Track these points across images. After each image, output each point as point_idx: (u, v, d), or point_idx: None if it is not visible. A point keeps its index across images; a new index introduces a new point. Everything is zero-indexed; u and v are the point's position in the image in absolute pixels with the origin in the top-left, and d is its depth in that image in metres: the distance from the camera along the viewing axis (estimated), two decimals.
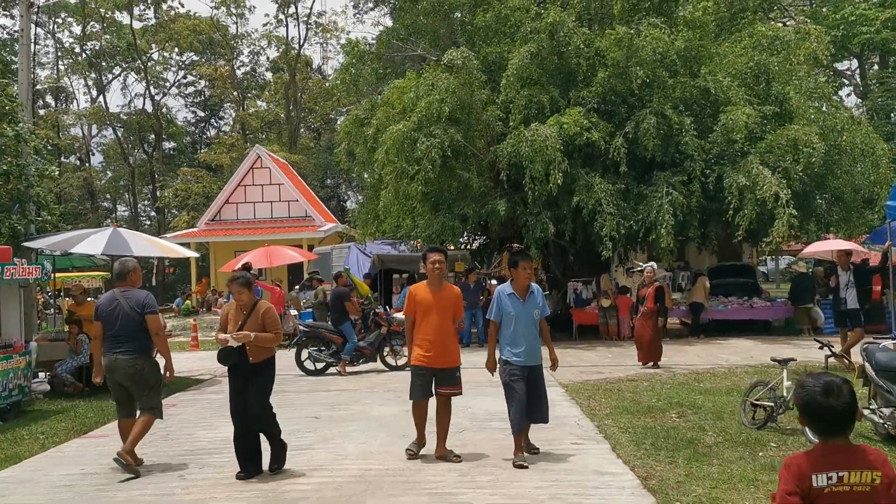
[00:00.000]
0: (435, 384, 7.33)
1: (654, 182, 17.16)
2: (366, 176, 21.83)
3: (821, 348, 10.01)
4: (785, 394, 8.27)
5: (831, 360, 12.58)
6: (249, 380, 6.86)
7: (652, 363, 13.36)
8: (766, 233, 18.64)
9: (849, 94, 29.12)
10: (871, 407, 7.76)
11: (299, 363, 13.72)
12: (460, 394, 7.50)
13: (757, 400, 8.51)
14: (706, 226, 17.90)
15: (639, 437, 7.99)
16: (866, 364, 7.86)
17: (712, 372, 12.59)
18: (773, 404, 8.22)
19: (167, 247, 14.48)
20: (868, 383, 8.06)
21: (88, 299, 16.60)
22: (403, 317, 14.67)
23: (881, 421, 7.54)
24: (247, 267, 15.79)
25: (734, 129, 16.38)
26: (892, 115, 22.79)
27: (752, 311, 18.59)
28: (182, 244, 27.69)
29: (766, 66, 18.12)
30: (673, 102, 17.40)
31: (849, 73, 28.89)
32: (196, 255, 20.25)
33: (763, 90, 18.23)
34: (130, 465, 6.99)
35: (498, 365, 7.22)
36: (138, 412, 7.24)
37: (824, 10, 24.43)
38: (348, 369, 13.62)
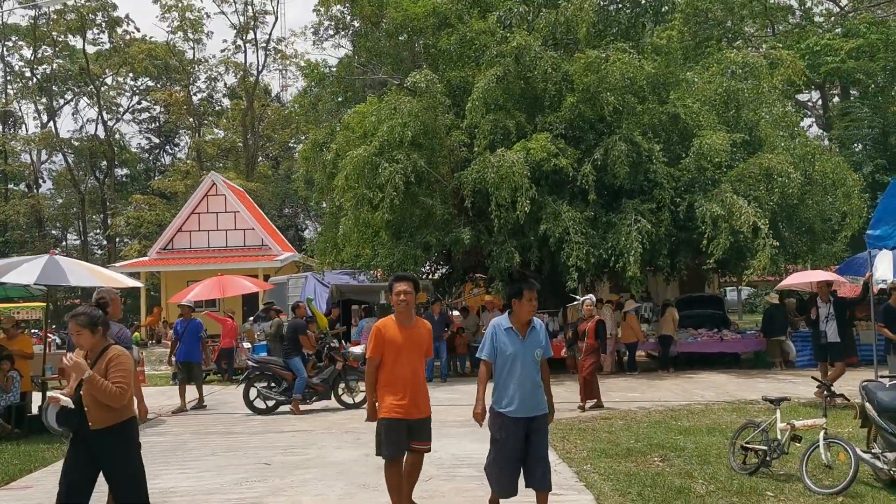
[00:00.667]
0: (409, 438, 6.12)
1: (623, 210, 16.66)
2: (324, 205, 21.05)
3: (820, 389, 9.28)
4: (779, 436, 7.60)
5: (813, 397, 12.08)
6: (104, 460, 4.95)
7: (594, 403, 12.52)
8: (735, 264, 18.30)
9: (810, 126, 29.29)
10: (872, 451, 7.14)
11: (248, 402, 12.75)
12: (429, 450, 6.39)
13: (748, 443, 7.84)
14: (675, 255, 17.42)
15: (623, 486, 7.25)
16: (867, 404, 7.24)
17: (688, 409, 11.94)
18: (765, 448, 7.54)
19: (108, 276, 13.43)
20: (867, 424, 7.46)
21: (24, 332, 15.50)
22: (360, 351, 13.98)
23: (884, 466, 6.91)
24: (197, 303, 14.82)
25: (710, 153, 16.00)
26: (856, 145, 22.80)
27: (723, 344, 18.10)
28: (132, 273, 26.56)
29: (736, 92, 17.85)
30: (642, 129, 16.99)
31: (810, 104, 29.06)
32: (139, 284, 19.12)
33: (733, 117, 17.95)
34: None
35: (487, 415, 5.91)
36: None
37: (788, 41, 24.51)
38: (302, 407, 12.68)
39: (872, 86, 22.81)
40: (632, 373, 17.37)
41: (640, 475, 7.66)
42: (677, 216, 16.82)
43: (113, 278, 13.49)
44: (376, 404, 6.15)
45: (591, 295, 14.13)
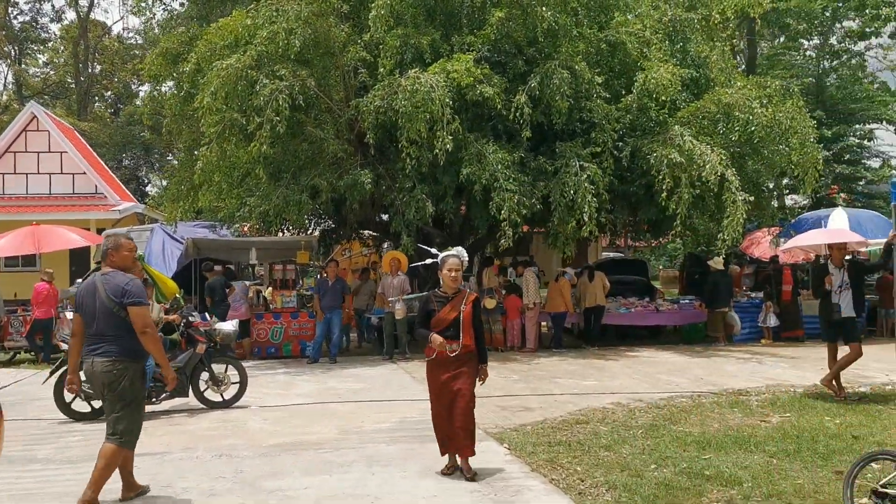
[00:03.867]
0: None
1: (562, 154, 13.65)
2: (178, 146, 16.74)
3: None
4: None
5: (820, 386, 9.62)
6: None
7: None
8: (669, 224, 15.92)
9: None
10: None
11: (62, 403, 8.78)
12: None
13: (885, 486, 4.95)
14: (643, 209, 14.71)
15: None
16: None
17: (676, 405, 9.12)
18: None
19: None
20: None
21: None
22: (232, 328, 10.20)
23: None
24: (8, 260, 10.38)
25: (657, 90, 13.24)
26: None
27: (659, 316, 15.63)
28: None
29: (683, 22, 15.19)
30: (580, 57, 13.97)
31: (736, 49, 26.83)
32: None
33: (679, 51, 15.29)
34: None
35: None
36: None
37: None
38: (149, 409, 8.75)
39: (805, 28, 20.96)
40: (559, 350, 14.55)
41: None
42: (620, 164, 14.05)
43: None
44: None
45: (457, 249, 10.07)
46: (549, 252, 18.96)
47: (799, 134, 14.14)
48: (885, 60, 23.25)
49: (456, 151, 13.06)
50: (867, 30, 20.94)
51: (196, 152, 14.63)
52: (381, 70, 13.38)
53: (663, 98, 13.21)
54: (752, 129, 13.34)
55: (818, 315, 9.83)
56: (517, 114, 13.12)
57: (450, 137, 12.43)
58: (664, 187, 12.99)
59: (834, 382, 9.42)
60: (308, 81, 12.98)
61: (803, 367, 11.99)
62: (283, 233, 17.63)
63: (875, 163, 21.20)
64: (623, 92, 14.81)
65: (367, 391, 10.51)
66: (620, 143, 14.09)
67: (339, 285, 13.70)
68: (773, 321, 15.15)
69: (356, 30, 14.15)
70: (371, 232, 18.88)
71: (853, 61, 21.62)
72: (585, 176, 13.10)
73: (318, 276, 14.96)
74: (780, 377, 11.03)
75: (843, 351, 9.44)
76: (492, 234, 14.89)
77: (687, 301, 16.07)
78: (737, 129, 13.34)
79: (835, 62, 21.29)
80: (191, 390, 9.23)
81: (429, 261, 7.07)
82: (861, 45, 21.75)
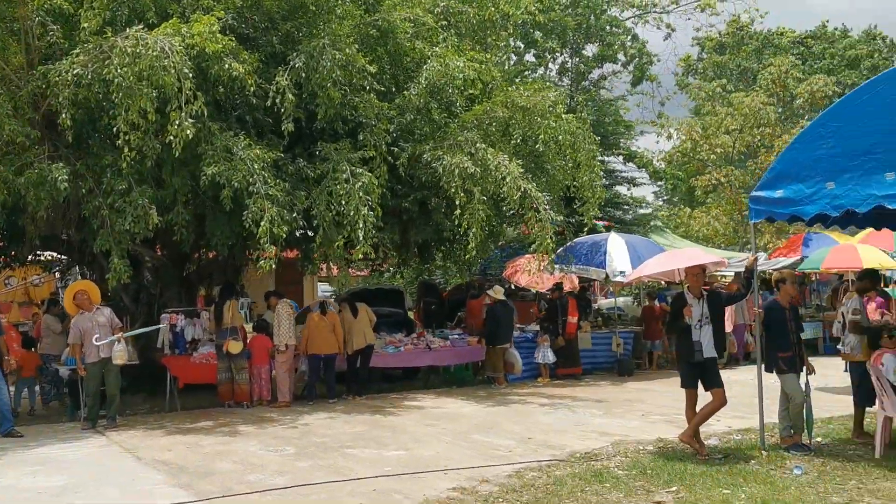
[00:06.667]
0: None
1: (325, 157, 10.89)
2: None
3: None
4: None
5: (677, 443, 7.95)
6: None
7: None
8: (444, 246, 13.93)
9: None
10: None
11: None
12: None
13: None
14: (416, 228, 12.25)
15: None
16: None
17: (532, 483, 6.80)
18: None
19: None
20: None
21: None
22: None
23: None
24: None
25: (444, 88, 11.14)
26: None
27: (432, 355, 13.34)
28: None
29: (456, 16, 13.30)
30: (352, 40, 11.37)
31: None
32: None
33: (454, 46, 13.34)
34: None
35: None
36: None
37: None
38: None
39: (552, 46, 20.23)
40: (317, 401, 11.63)
41: None
42: (395, 172, 11.67)
43: None
44: None
45: None
46: (265, 279, 15.89)
47: (584, 151, 12.81)
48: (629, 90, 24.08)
49: (194, 145, 9.70)
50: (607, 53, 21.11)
51: None
52: (85, 26, 9.63)
53: (467, 92, 11.09)
54: (551, 138, 11.67)
55: (676, 355, 8.15)
56: (276, 101, 10.12)
57: (189, 122, 9.07)
58: (457, 202, 10.78)
59: (694, 438, 7.77)
60: None
61: (616, 412, 10.41)
62: None
63: (623, 188, 21.40)
64: (394, 89, 12.49)
65: (73, 491, 6.79)
66: (395, 149, 11.71)
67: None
68: (550, 357, 13.66)
69: None
70: (55, 254, 14.41)
71: (601, 90, 21.70)
72: (360, 184, 10.43)
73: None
74: (611, 429, 9.23)
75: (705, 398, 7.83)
76: (233, 254, 11.71)
77: (457, 336, 14.01)
78: (540, 137, 11.57)
79: (583, 84, 21.14)
80: None
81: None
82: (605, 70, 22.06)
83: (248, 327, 12.70)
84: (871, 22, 60.54)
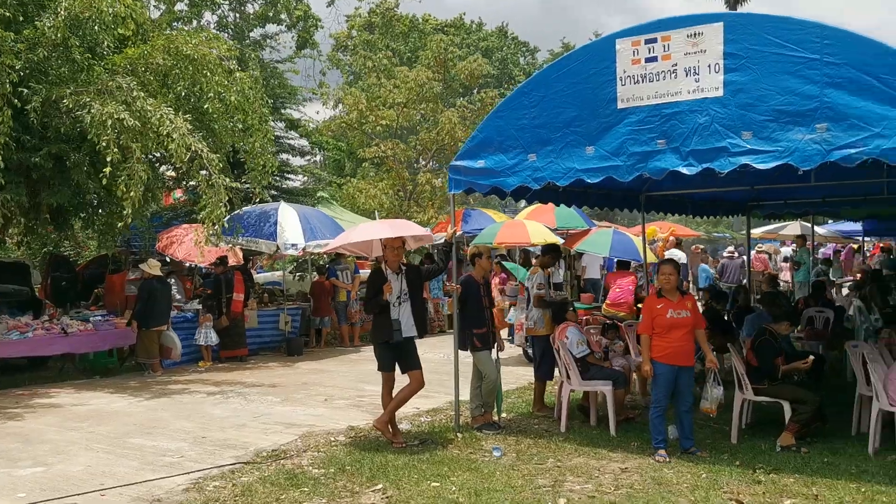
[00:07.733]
0: None
1: None
2: None
3: None
4: None
5: (371, 431, 7.42)
6: None
7: None
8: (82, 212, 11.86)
9: None
10: None
11: None
12: None
13: None
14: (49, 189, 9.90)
15: None
16: None
17: (215, 497, 5.69)
18: None
19: None
20: None
21: None
22: None
23: None
24: None
25: (101, 18, 9.23)
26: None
27: (70, 341, 11.13)
28: None
29: None
30: None
31: None
32: None
33: None
34: None
35: None
36: None
37: None
38: None
39: None
40: None
41: None
42: (24, 119, 9.47)
43: None
44: None
45: None
46: None
47: (256, 114, 11.56)
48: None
49: None
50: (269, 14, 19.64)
51: None
52: None
53: (117, 31, 9.19)
54: (218, 95, 10.26)
55: (373, 335, 7.46)
56: None
57: None
58: (109, 159, 8.96)
59: (389, 426, 7.23)
60: None
61: (296, 398, 9.55)
62: None
63: (290, 156, 20.11)
64: (21, 18, 10.10)
65: None
66: (24, 91, 9.46)
67: None
68: (213, 338, 12.33)
69: None
70: None
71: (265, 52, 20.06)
72: None
73: None
74: (296, 419, 8.36)
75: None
76: None
77: (100, 318, 11.94)
78: (209, 94, 10.07)
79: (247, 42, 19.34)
80: None
81: None
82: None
83: None
84: (504, 20, 67.25)
